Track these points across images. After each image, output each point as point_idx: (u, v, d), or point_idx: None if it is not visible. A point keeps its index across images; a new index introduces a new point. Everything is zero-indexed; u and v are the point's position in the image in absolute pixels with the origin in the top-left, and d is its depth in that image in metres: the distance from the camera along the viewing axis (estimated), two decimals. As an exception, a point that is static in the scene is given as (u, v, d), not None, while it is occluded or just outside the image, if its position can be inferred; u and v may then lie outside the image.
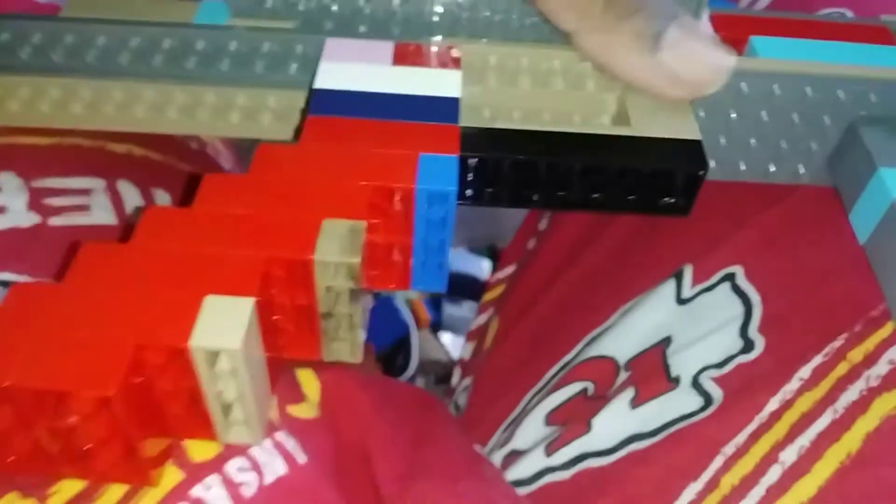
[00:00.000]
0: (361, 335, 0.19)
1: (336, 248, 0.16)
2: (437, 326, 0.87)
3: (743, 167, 0.24)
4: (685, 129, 0.21)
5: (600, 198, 0.21)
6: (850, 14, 0.31)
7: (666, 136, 0.21)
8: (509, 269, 0.35)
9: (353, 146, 0.19)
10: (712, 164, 0.24)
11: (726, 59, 0.20)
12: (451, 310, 0.88)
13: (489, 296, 0.35)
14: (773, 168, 0.24)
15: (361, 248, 0.16)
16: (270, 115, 0.23)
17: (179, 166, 0.28)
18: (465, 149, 0.20)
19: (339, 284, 0.17)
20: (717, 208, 0.25)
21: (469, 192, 0.21)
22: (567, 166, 0.20)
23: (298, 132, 0.22)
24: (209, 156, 0.32)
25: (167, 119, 0.23)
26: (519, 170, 0.21)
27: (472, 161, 0.20)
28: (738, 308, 0.23)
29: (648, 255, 0.26)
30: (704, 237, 0.25)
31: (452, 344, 0.83)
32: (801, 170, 0.24)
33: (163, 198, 0.26)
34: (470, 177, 0.21)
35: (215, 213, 0.17)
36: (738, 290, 0.23)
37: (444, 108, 0.20)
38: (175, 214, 0.17)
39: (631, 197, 0.21)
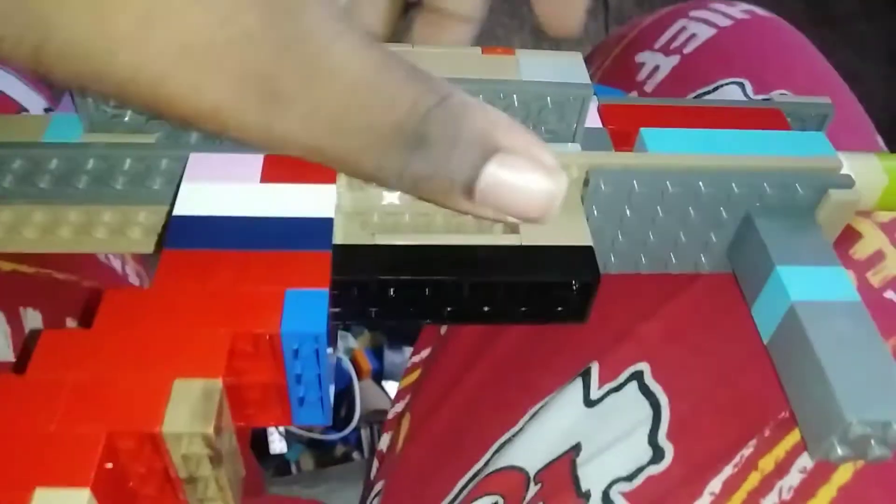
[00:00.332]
0: (235, 493, 0.17)
1: (187, 415, 0.15)
2: (379, 375, 0.85)
3: (643, 260, 0.23)
4: (576, 234, 0.20)
5: (491, 311, 0.20)
6: (748, 84, 0.31)
7: (556, 243, 0.20)
8: (425, 353, 0.33)
9: (212, 285, 0.17)
10: (611, 258, 0.23)
11: (553, 186, 0.17)
12: (392, 357, 0.86)
13: (406, 381, 0.33)
14: (673, 260, 0.23)
15: (216, 413, 0.15)
16: (139, 229, 0.21)
17: (56, 277, 0.26)
18: (341, 271, 0.18)
19: (196, 452, 0.15)
20: (619, 300, 0.24)
21: (350, 312, 0.19)
22: (453, 284, 0.19)
23: (158, 245, 0.21)
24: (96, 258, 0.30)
25: (24, 239, 0.21)
26: (401, 289, 0.19)
27: (350, 284, 0.19)
28: (645, 411, 0.22)
29: (555, 350, 0.25)
30: (609, 331, 0.24)
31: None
32: (702, 259, 0.23)
33: (33, 316, 0.24)
34: (350, 299, 0.19)
35: (50, 379, 0.15)
36: (645, 391, 0.22)
37: (316, 231, 0.19)
38: (10, 381, 0.15)
39: (524, 309, 0.20)
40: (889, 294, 0.24)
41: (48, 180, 0.21)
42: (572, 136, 0.22)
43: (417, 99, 0.16)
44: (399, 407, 0.33)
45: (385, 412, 0.81)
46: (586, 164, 0.21)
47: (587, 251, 0.20)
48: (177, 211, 0.19)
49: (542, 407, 0.24)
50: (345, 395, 0.79)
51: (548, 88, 0.21)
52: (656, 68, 0.33)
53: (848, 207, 0.22)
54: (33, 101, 0.35)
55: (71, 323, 0.26)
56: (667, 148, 0.22)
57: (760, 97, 0.30)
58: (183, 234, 0.18)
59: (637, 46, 0.35)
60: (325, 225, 0.19)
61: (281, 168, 0.20)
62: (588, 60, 0.39)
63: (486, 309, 0.20)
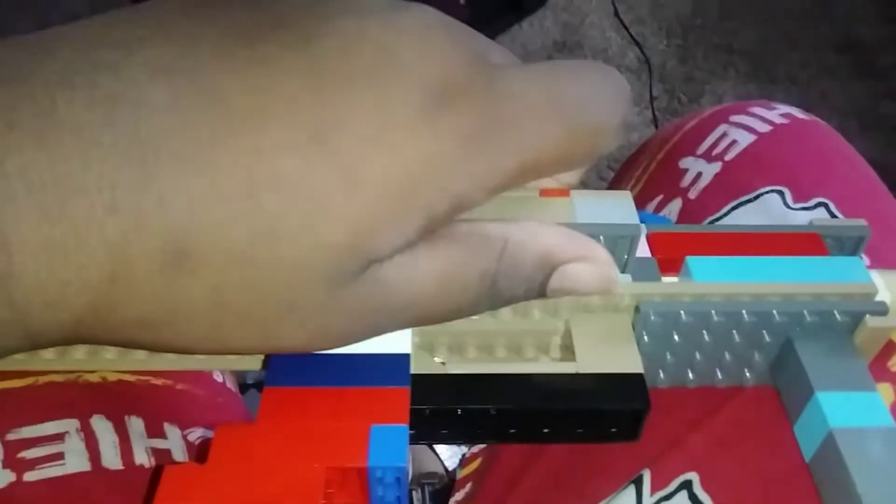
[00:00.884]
0: None
1: (291, 546, 0.17)
2: (430, 437, 0.87)
3: (691, 376, 0.25)
4: (627, 361, 0.22)
5: (550, 433, 0.22)
6: (787, 192, 0.33)
7: (609, 370, 0.22)
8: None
9: (308, 421, 0.19)
10: (661, 374, 0.25)
11: (607, 273, 0.21)
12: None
13: (466, 470, 0.35)
14: (719, 375, 0.25)
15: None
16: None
17: (154, 383, 0.29)
18: (417, 399, 0.21)
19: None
20: (669, 410, 0.26)
21: (424, 433, 0.22)
22: (516, 410, 0.21)
23: (265, 364, 0.23)
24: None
25: (135, 360, 0.24)
26: (470, 415, 0.21)
27: (425, 411, 0.21)
28: (696, 521, 0.24)
29: (608, 455, 0.27)
30: (660, 440, 0.26)
31: (448, 454, 0.83)
32: (746, 375, 0.25)
33: (136, 424, 0.27)
34: (425, 422, 0.21)
35: (176, 511, 0.18)
36: (695, 500, 0.24)
37: (396, 366, 0.21)
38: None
39: (579, 430, 0.22)
40: (927, 409, 0.25)
41: None
42: (623, 268, 0.24)
43: (483, 270, 0.19)
44: (459, 496, 0.35)
45: (435, 475, 0.82)
46: (637, 295, 0.23)
47: (638, 379, 0.22)
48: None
49: (598, 512, 0.26)
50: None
51: (601, 229, 0.23)
52: (699, 175, 0.35)
53: (883, 332, 0.23)
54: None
55: (168, 427, 0.28)
56: (711, 276, 0.24)
57: (799, 205, 0.32)
58: (281, 371, 0.21)
59: (680, 151, 0.37)
60: (404, 360, 0.21)
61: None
62: (633, 160, 0.41)
63: (545, 431, 0.22)
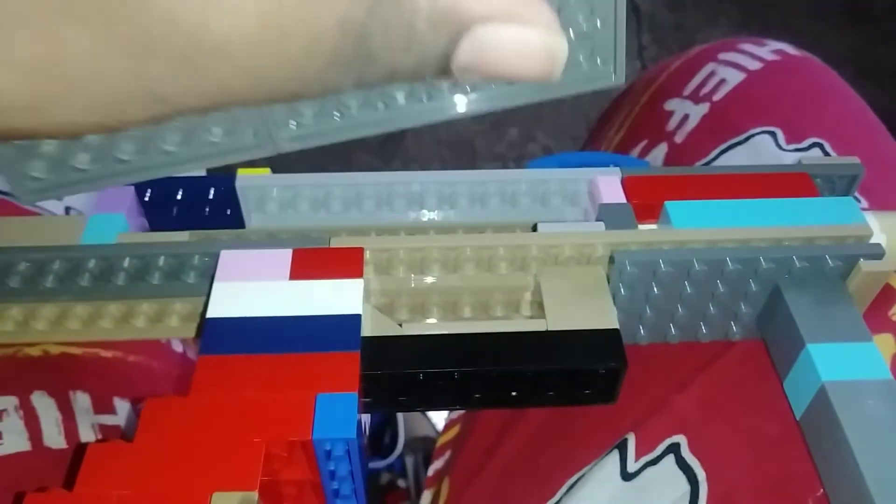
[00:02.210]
0: None
1: (225, 530, 0.15)
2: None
3: (674, 332, 0.23)
4: (601, 316, 0.20)
5: (518, 397, 0.20)
6: (780, 133, 0.31)
7: (582, 326, 0.20)
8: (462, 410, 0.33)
9: (246, 392, 0.18)
10: (640, 330, 0.23)
11: (551, 41, 0.13)
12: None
13: (444, 438, 0.34)
14: (704, 330, 0.23)
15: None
16: (177, 317, 0.22)
17: (102, 355, 0.27)
18: (371, 365, 0.19)
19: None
20: (652, 369, 0.24)
21: (380, 400, 0.20)
22: (479, 373, 0.20)
23: (198, 331, 0.21)
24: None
25: (69, 330, 0.22)
26: (430, 380, 0.20)
27: (380, 376, 0.19)
28: (683, 486, 0.22)
29: (590, 420, 0.25)
30: (644, 402, 0.24)
31: (440, 418, 0.82)
32: (733, 328, 0.23)
33: (82, 399, 0.26)
34: (381, 389, 0.20)
35: (98, 496, 0.16)
36: (683, 465, 0.22)
37: (345, 328, 0.19)
38: (58, 497, 0.16)
39: (551, 393, 0.20)
40: (928, 358, 0.24)
41: (88, 279, 0.21)
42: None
43: (342, 16, 0.12)
44: (439, 464, 0.33)
45: (429, 439, 0.81)
46: (612, 245, 0.21)
47: (613, 335, 0.20)
48: (210, 313, 0.19)
49: (579, 479, 0.24)
50: (388, 422, 0.80)
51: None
52: (686, 117, 0.33)
53: (879, 278, 0.22)
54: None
55: (119, 402, 0.27)
56: (692, 222, 0.22)
57: (792, 146, 0.30)
58: (217, 338, 0.19)
59: (666, 93, 0.35)
60: (354, 322, 0.19)
61: (309, 264, 0.20)
62: (616, 105, 0.39)
63: (514, 394, 0.20)
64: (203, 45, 0.12)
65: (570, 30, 0.18)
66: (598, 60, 0.19)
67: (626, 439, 0.24)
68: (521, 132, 0.95)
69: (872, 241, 0.22)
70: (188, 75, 0.12)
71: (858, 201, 0.28)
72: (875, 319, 0.24)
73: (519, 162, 0.92)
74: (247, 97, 0.13)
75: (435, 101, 0.19)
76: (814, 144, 0.30)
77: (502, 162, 0.92)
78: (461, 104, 0.19)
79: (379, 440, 0.78)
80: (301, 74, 0.12)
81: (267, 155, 0.19)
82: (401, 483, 0.82)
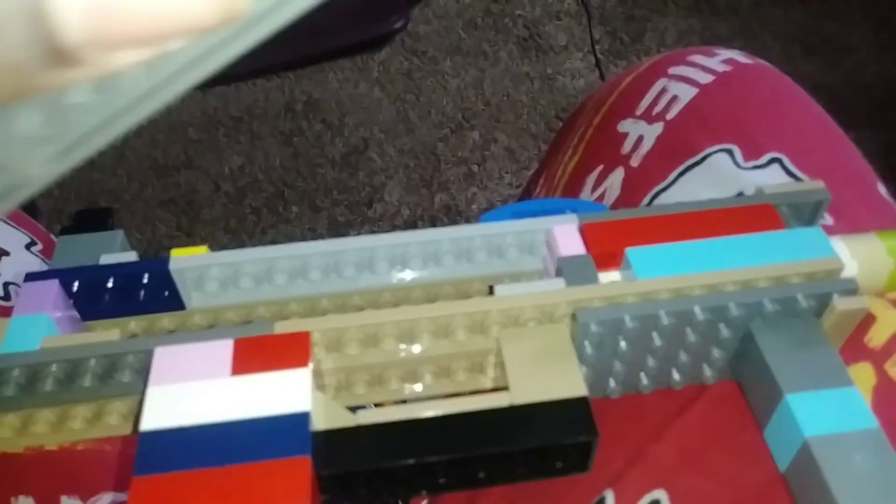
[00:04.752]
0: None
1: None
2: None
3: (645, 382, 0.22)
4: (568, 383, 0.19)
5: (487, 477, 0.19)
6: (737, 151, 0.30)
7: (549, 397, 0.19)
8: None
9: (187, 517, 0.16)
10: (611, 383, 0.22)
11: None
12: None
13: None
14: (676, 377, 0.22)
15: None
16: (116, 416, 0.21)
17: (47, 448, 0.25)
18: (326, 463, 0.18)
19: None
20: (627, 420, 0.23)
21: (339, 498, 0.19)
22: (442, 462, 0.18)
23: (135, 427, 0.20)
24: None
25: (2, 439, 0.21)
26: (391, 472, 0.18)
27: (336, 476, 0.18)
28: (666, 546, 0.21)
29: (567, 477, 0.24)
30: (621, 454, 0.23)
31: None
32: (706, 373, 0.22)
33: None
34: (339, 485, 0.18)
35: None
36: None
37: (293, 429, 0.18)
38: None
39: (521, 470, 0.19)
40: (910, 388, 0.23)
41: (13, 388, 0.20)
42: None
43: None
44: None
45: None
46: (574, 302, 0.20)
47: (581, 404, 0.19)
48: (143, 425, 0.18)
49: (558, 541, 0.23)
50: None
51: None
52: (640, 139, 0.32)
53: (854, 315, 0.21)
54: (14, 240, 0.35)
55: (67, 500, 0.25)
56: (655, 269, 0.21)
57: (751, 164, 0.29)
58: (151, 455, 0.17)
59: (619, 114, 0.34)
60: (302, 420, 0.18)
61: (252, 354, 0.19)
62: (568, 126, 0.38)
63: (481, 476, 0.19)
64: None
65: None
66: None
67: (604, 497, 0.23)
68: (482, 135, 0.94)
69: (845, 273, 0.21)
70: None
71: (824, 219, 0.27)
72: (851, 349, 0.23)
73: (483, 164, 0.91)
74: None
75: None
76: (773, 160, 0.29)
77: (466, 165, 0.91)
78: None
79: None
80: None
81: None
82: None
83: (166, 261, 0.22)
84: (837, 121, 0.32)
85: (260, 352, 0.19)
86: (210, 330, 0.20)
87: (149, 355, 0.19)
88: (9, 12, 0.08)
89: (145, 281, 0.22)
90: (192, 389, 0.18)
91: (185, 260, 0.22)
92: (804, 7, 1.26)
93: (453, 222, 0.81)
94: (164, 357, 0.19)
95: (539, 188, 0.38)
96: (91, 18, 0.08)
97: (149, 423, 0.18)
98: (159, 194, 1.00)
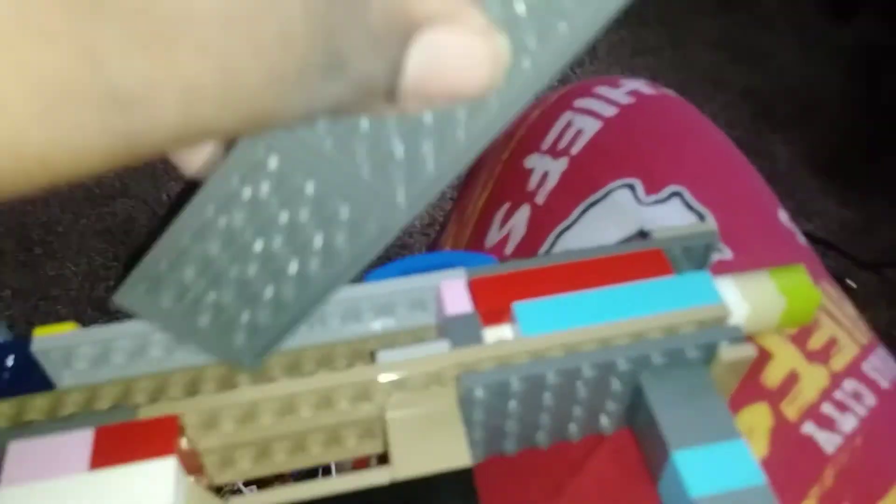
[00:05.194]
0: None
1: None
2: None
3: (541, 437, 0.22)
4: (452, 452, 0.19)
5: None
6: (638, 185, 0.30)
7: (433, 469, 0.18)
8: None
9: None
10: (505, 443, 0.22)
11: (495, 46, 0.13)
12: None
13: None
14: (573, 429, 0.22)
15: None
16: None
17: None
18: None
19: None
20: (523, 478, 0.22)
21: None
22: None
23: None
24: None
25: None
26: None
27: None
28: None
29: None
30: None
31: None
32: (604, 423, 0.22)
33: None
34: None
35: None
36: None
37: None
38: None
39: None
40: (807, 428, 0.23)
41: None
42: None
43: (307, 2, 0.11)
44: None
45: None
46: (459, 365, 0.20)
47: (464, 476, 0.18)
48: None
49: None
50: None
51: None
52: (545, 175, 0.31)
53: (741, 364, 0.20)
54: None
55: None
56: (543, 325, 0.20)
57: (652, 199, 0.29)
58: None
59: (525, 148, 0.33)
60: (162, 518, 0.17)
61: (114, 444, 0.18)
62: (480, 162, 0.37)
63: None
64: (164, 10, 0.09)
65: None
66: None
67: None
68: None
69: (734, 317, 0.21)
70: (151, 55, 0.09)
71: (721, 252, 0.27)
72: (746, 389, 0.23)
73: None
74: (219, 109, 0.10)
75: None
76: (673, 194, 0.29)
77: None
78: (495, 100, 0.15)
79: None
80: (276, 76, 0.11)
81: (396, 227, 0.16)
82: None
83: (29, 342, 0.20)
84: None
85: (122, 441, 0.18)
86: (71, 417, 0.19)
87: (2, 452, 0.18)
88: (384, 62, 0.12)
89: (10, 364, 0.21)
90: (46, 488, 0.17)
91: (49, 340, 0.20)
92: (730, 16, 1.29)
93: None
94: (19, 453, 0.18)
95: (452, 223, 0.37)
96: (420, 78, 0.12)
97: (-4, 529, 0.16)
98: (94, 224, 0.97)
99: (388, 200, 0.16)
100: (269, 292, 0.17)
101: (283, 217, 0.16)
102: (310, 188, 0.16)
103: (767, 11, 1.28)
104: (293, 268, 0.17)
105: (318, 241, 0.17)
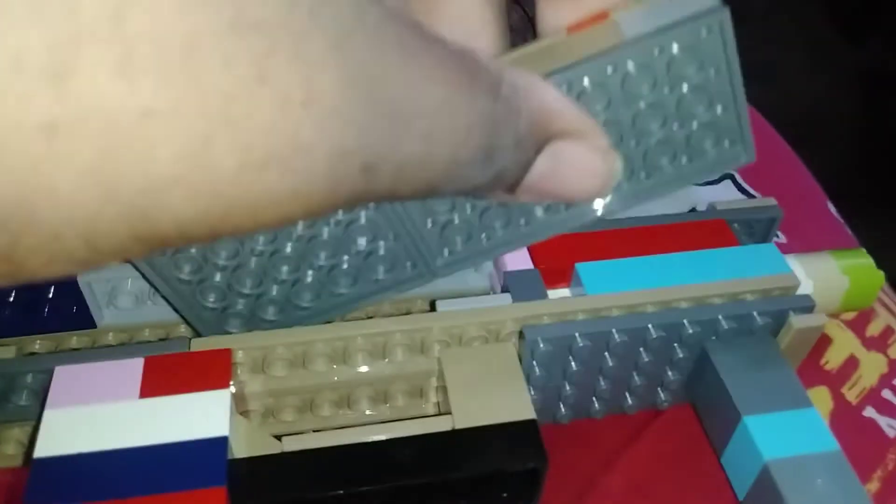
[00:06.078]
0: None
1: None
2: None
3: (597, 406, 0.21)
4: (515, 405, 0.18)
5: (429, 508, 0.17)
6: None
7: (495, 420, 0.17)
8: None
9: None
10: (561, 409, 0.21)
11: (608, 167, 0.15)
12: None
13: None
14: (630, 401, 0.21)
15: None
16: (13, 444, 0.19)
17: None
18: (247, 494, 0.16)
19: None
20: (577, 447, 0.22)
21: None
22: (375, 492, 0.17)
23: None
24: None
25: None
26: (320, 502, 0.16)
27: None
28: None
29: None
30: (570, 485, 0.21)
31: None
32: (661, 396, 0.21)
33: None
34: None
35: None
36: None
37: (208, 457, 0.16)
38: None
39: (462, 502, 0.18)
40: (868, 412, 0.22)
41: None
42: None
43: (482, 105, 0.12)
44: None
45: None
46: (520, 319, 0.19)
47: (530, 428, 0.17)
48: (38, 452, 0.16)
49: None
50: None
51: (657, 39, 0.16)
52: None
53: (812, 333, 0.20)
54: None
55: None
56: (606, 286, 0.20)
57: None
58: (45, 486, 0.15)
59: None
60: (218, 448, 0.16)
61: (165, 375, 0.17)
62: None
63: (421, 506, 0.17)
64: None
65: (694, 122, 0.17)
66: (726, 143, 0.17)
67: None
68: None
69: (800, 290, 0.20)
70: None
71: (777, 237, 0.27)
72: (808, 372, 0.22)
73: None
74: (407, 182, 0.12)
75: (573, 208, 0.18)
76: (725, 176, 0.29)
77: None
78: (598, 206, 0.17)
79: None
80: (455, 160, 0.12)
81: (425, 283, 0.19)
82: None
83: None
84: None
85: (174, 372, 0.17)
86: (118, 347, 0.18)
87: (49, 375, 0.17)
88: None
89: (50, 295, 0.20)
90: (94, 413, 0.16)
91: (96, 272, 0.20)
92: (742, 30, 1.30)
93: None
94: (65, 377, 0.17)
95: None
96: (543, 177, 0.14)
97: (43, 449, 0.16)
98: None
99: (430, 258, 0.18)
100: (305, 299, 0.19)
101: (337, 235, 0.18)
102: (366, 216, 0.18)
103: (780, 28, 1.28)
104: (325, 283, 0.19)
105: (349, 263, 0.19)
